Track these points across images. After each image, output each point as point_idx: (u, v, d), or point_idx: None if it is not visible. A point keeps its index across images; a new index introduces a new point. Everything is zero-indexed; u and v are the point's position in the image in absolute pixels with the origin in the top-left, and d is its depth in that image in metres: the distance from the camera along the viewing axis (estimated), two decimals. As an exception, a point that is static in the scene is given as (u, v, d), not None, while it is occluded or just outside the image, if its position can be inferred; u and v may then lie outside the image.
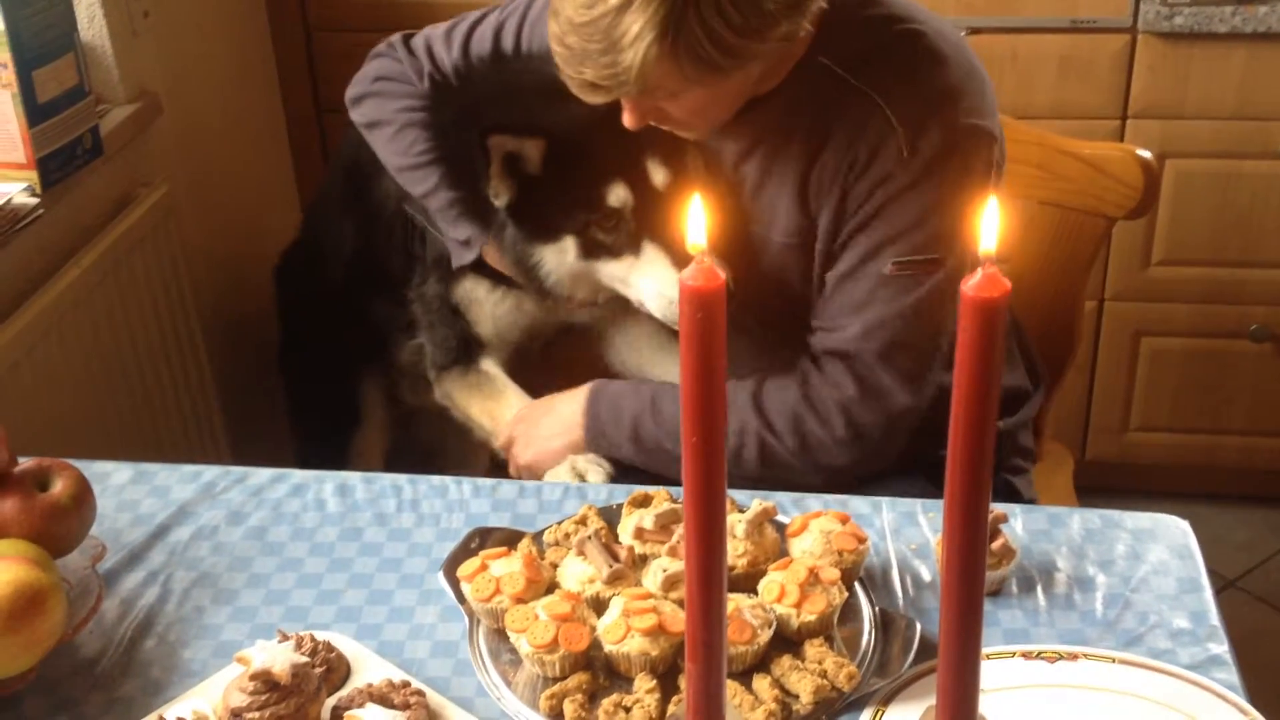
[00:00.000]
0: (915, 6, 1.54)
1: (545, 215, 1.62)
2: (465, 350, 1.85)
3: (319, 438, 2.37)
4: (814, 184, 1.51)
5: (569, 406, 1.67)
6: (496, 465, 1.99)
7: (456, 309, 1.82)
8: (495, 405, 1.82)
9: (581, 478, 1.62)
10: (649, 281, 1.60)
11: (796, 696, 1.16)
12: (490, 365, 1.84)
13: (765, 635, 1.18)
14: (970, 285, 0.75)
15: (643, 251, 1.60)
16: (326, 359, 2.27)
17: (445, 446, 2.44)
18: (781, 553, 1.30)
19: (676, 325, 1.64)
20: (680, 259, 1.57)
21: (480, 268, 1.74)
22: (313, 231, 2.28)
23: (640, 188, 1.58)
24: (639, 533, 1.30)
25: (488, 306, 1.79)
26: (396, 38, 1.82)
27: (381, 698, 1.15)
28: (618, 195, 1.58)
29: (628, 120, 1.45)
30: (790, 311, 1.60)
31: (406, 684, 1.17)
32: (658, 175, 1.58)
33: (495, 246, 1.70)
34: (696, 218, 0.79)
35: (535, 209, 1.62)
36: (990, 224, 0.78)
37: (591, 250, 1.62)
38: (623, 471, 1.64)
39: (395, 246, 1.94)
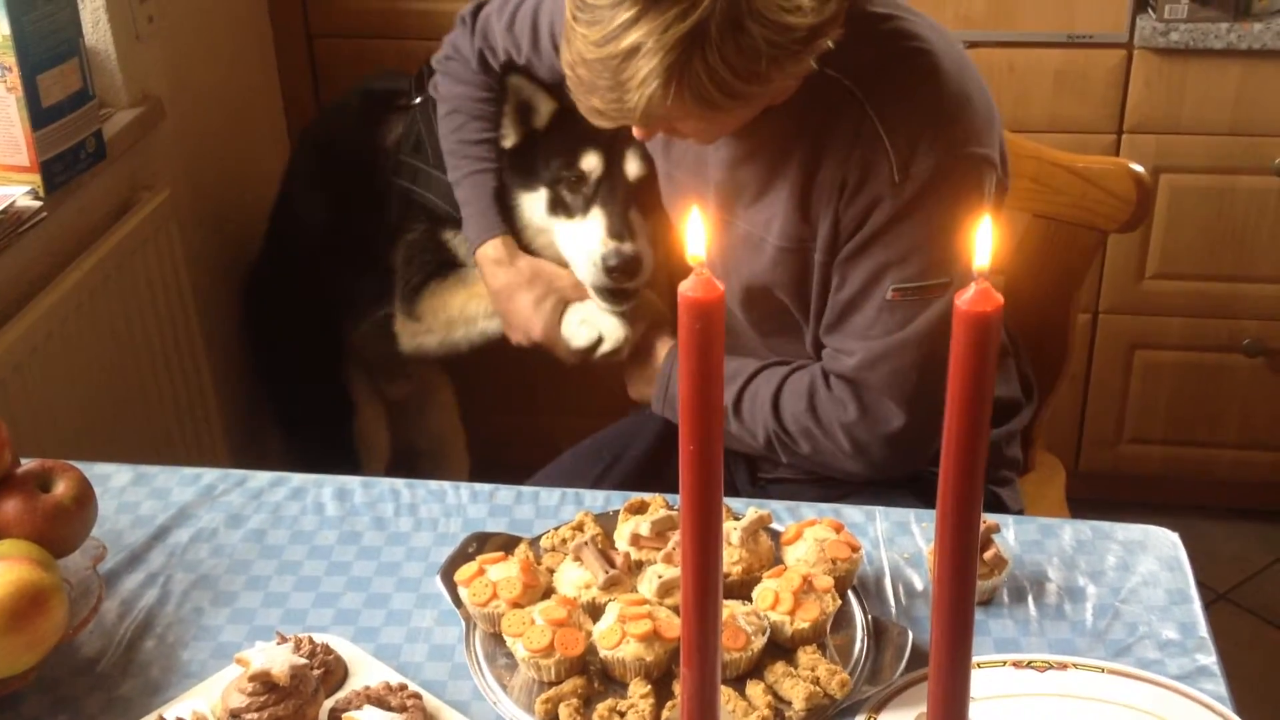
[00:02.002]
0: (929, 24, 1.54)
1: (533, 163, 1.83)
2: (440, 265, 2.00)
3: (320, 436, 2.39)
4: (815, 193, 1.52)
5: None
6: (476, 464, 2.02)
7: (441, 244, 1.99)
8: (478, 287, 1.94)
9: (601, 337, 1.76)
10: (583, 241, 1.78)
11: (789, 703, 1.17)
12: (467, 271, 1.97)
13: (759, 642, 1.19)
14: (963, 300, 0.76)
15: (589, 216, 1.79)
16: (310, 358, 2.30)
17: (433, 449, 2.47)
18: (776, 560, 1.31)
19: (597, 289, 1.75)
20: (614, 223, 1.77)
21: (524, 170, 1.85)
22: (282, 218, 2.35)
23: (612, 165, 1.78)
24: (635, 539, 1.31)
25: (523, 211, 1.86)
26: (469, 7, 1.88)
27: (379, 700, 1.16)
28: (589, 161, 1.79)
29: (637, 134, 1.48)
30: (783, 312, 1.62)
31: (403, 686, 1.18)
32: (632, 166, 1.78)
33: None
34: (696, 229, 0.80)
35: (528, 157, 1.83)
36: (984, 240, 0.79)
37: (555, 206, 1.82)
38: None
39: (373, 213, 2.08)
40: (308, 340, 2.35)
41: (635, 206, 1.79)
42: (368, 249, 2.14)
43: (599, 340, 1.75)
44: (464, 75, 1.89)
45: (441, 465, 2.59)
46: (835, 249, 1.53)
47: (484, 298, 1.93)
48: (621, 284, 1.75)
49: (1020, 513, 1.73)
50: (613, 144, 1.77)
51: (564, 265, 1.83)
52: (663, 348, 1.76)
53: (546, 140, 1.80)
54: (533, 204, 1.84)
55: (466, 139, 1.88)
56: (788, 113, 1.49)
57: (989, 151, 1.49)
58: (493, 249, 1.84)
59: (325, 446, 2.41)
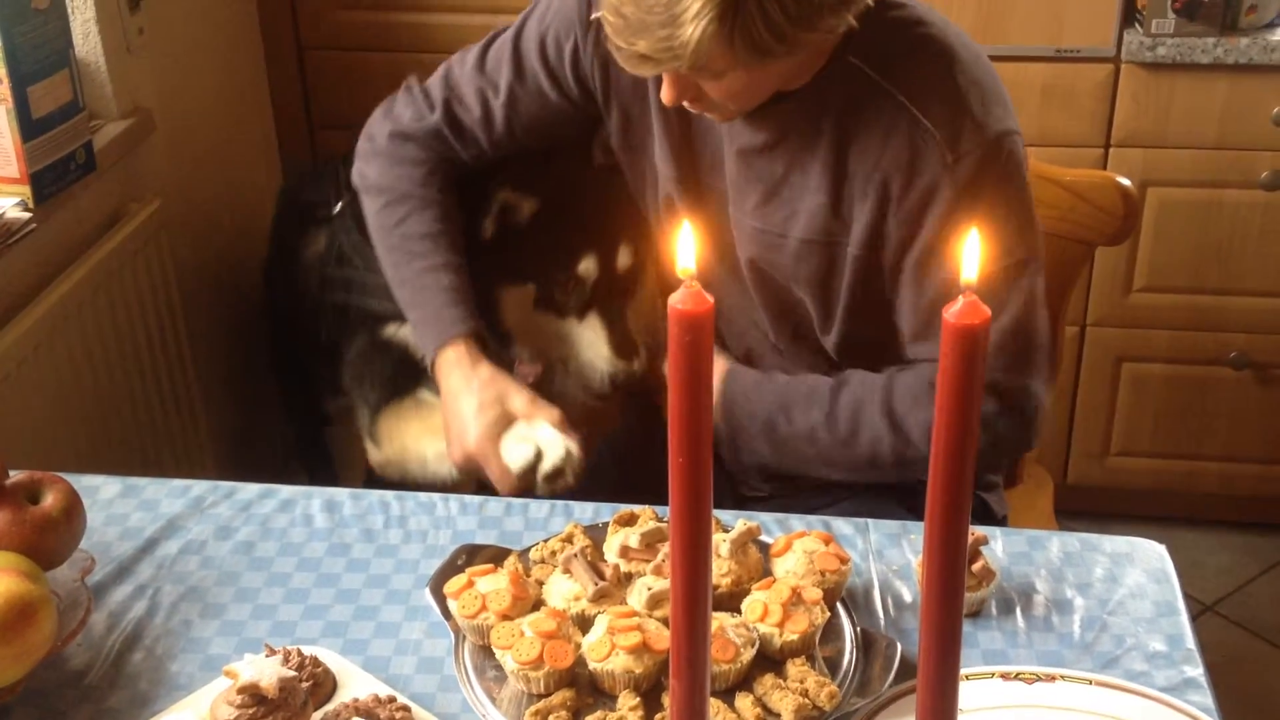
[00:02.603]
0: (933, 12, 1.54)
1: (518, 259, 1.73)
2: (399, 383, 1.85)
3: (308, 434, 2.40)
4: (848, 185, 1.50)
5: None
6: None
7: (387, 345, 1.86)
8: (433, 419, 1.73)
9: (540, 453, 1.57)
10: (584, 349, 1.74)
11: (778, 715, 1.17)
12: (427, 394, 1.81)
13: (748, 654, 1.19)
14: (951, 312, 0.77)
15: (586, 319, 1.74)
16: (307, 356, 2.30)
17: None
18: (765, 572, 1.31)
19: (602, 390, 1.71)
20: (617, 339, 1.72)
21: (507, 267, 1.76)
22: (284, 232, 2.31)
23: (606, 263, 1.73)
24: (624, 551, 1.31)
25: (506, 306, 1.78)
26: (411, 79, 1.76)
27: (367, 712, 1.16)
28: (587, 266, 1.72)
29: (665, 95, 1.45)
30: (800, 309, 1.61)
31: (392, 699, 1.18)
32: (624, 257, 1.73)
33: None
34: (686, 243, 0.80)
35: (511, 251, 1.72)
36: (971, 252, 0.79)
37: (546, 303, 1.75)
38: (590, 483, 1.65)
39: (312, 334, 2.02)
40: (305, 341, 2.33)
41: (630, 300, 1.75)
42: (314, 369, 2.07)
43: (538, 458, 1.55)
44: (406, 155, 1.71)
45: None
46: (879, 249, 1.51)
47: (437, 433, 1.70)
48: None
49: (1005, 518, 1.74)
50: (606, 241, 1.72)
51: (548, 359, 1.77)
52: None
53: (532, 237, 1.71)
54: (518, 299, 1.73)
55: (413, 232, 1.68)
56: (807, 102, 1.48)
57: (1017, 127, 1.50)
58: (454, 353, 1.62)
59: (310, 446, 2.42)
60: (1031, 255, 1.50)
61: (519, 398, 1.60)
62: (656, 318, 1.78)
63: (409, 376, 1.83)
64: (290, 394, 2.45)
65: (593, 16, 1.46)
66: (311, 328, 2.08)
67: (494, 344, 1.70)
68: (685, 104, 1.47)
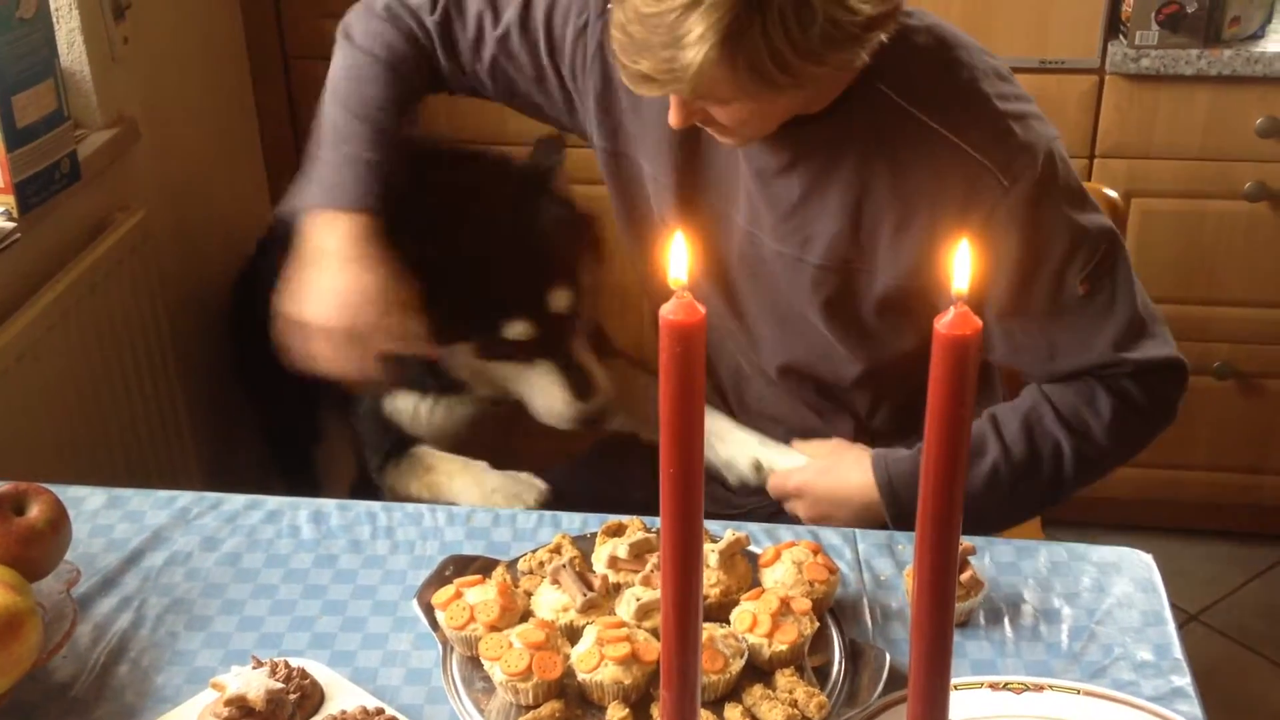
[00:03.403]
0: (959, 32, 1.52)
1: (448, 322, 1.64)
2: (398, 447, 1.84)
3: (288, 453, 2.39)
4: (870, 211, 1.47)
5: (857, 475, 1.60)
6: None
7: (388, 421, 1.84)
8: (432, 477, 1.79)
9: (520, 500, 1.68)
10: (540, 392, 1.71)
11: (767, 725, 1.17)
12: (421, 449, 1.82)
13: (737, 665, 1.19)
14: (942, 323, 0.77)
15: (536, 365, 1.69)
16: (284, 377, 2.28)
17: None
18: (754, 583, 1.31)
19: (571, 430, 1.67)
20: (573, 379, 1.69)
21: (409, 382, 1.76)
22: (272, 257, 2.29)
23: (540, 316, 1.66)
24: (613, 561, 1.31)
25: (421, 415, 1.80)
26: None
27: (356, 724, 1.16)
28: (516, 330, 1.67)
29: (673, 119, 1.42)
30: (810, 337, 1.58)
31: (380, 711, 1.18)
32: (560, 301, 1.67)
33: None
34: (679, 253, 0.80)
35: (439, 316, 1.62)
36: (963, 264, 0.80)
37: (490, 353, 1.70)
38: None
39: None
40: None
41: (578, 335, 1.71)
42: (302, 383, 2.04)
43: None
44: (396, 28, 1.66)
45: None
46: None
47: (434, 487, 1.77)
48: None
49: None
50: (532, 296, 1.66)
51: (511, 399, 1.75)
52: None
53: (457, 301, 1.64)
54: (462, 353, 1.71)
55: (369, 96, 1.61)
56: (830, 126, 1.45)
57: (1054, 129, 1.48)
58: (349, 221, 1.52)
59: (287, 463, 2.40)
60: (1114, 238, 1.49)
61: (382, 325, 1.52)
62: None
63: (406, 443, 1.84)
64: (270, 414, 2.43)
65: (609, 6, 1.42)
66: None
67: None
68: (698, 124, 1.44)
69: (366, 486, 2.20)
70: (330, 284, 1.51)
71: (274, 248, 2.14)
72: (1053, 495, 1.57)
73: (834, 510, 1.59)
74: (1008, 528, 1.64)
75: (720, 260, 1.60)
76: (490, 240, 1.67)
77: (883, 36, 1.34)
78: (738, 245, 1.58)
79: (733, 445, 1.68)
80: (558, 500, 1.69)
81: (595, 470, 1.89)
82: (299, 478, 2.38)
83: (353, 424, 1.95)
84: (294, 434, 2.34)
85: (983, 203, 1.41)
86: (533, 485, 1.70)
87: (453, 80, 1.70)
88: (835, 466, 1.62)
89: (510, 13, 1.62)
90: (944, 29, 1.50)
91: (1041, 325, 1.49)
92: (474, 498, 1.72)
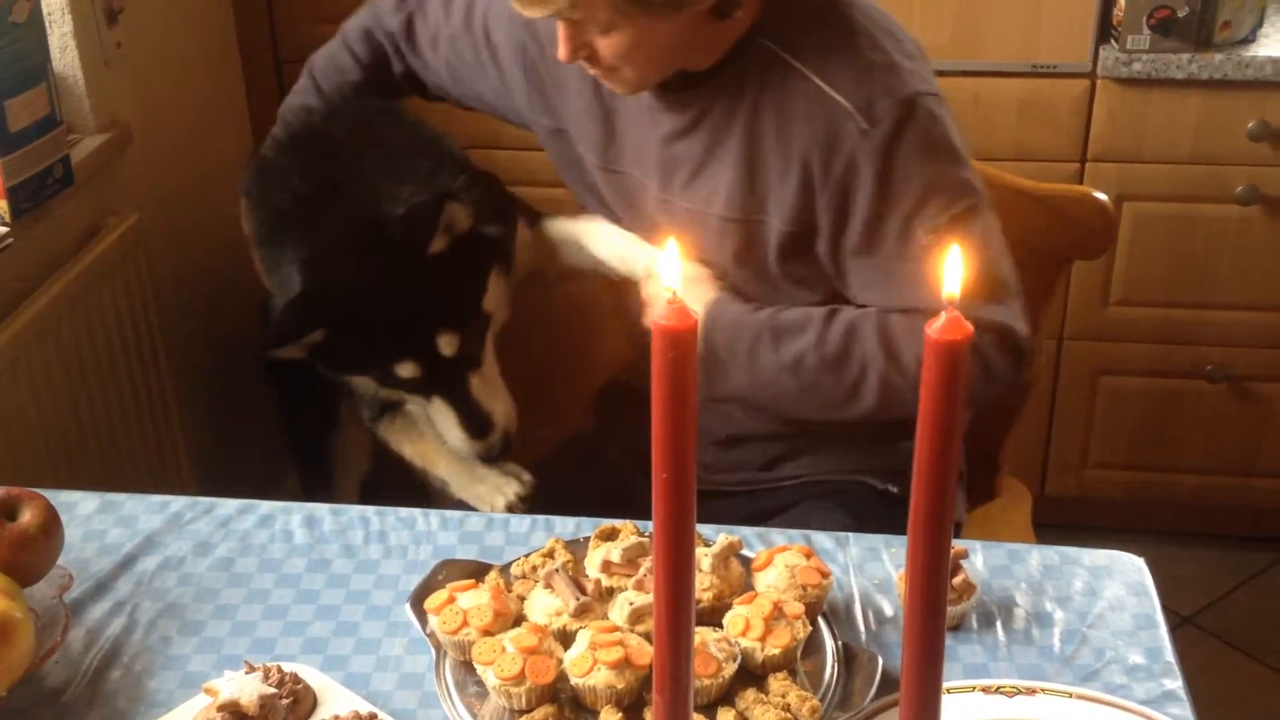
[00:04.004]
0: None
1: (341, 363, 1.76)
2: (393, 403, 1.86)
3: (304, 438, 2.39)
4: (762, 162, 1.54)
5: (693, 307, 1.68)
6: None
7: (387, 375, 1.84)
8: (423, 447, 1.84)
9: (501, 492, 1.73)
10: (442, 427, 1.74)
11: (760, 729, 1.17)
12: (413, 407, 1.84)
13: (730, 669, 1.19)
14: (934, 328, 0.77)
15: (432, 400, 1.73)
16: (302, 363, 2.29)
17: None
18: (746, 587, 1.31)
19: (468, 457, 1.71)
20: (466, 418, 1.71)
21: (336, 367, 1.78)
22: None
23: (429, 359, 1.69)
24: (606, 566, 1.31)
25: (359, 387, 1.82)
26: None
27: (349, 729, 1.16)
28: (407, 369, 1.70)
29: (561, 51, 1.50)
30: (731, 285, 1.63)
31: (373, 716, 1.18)
32: (447, 346, 1.69)
33: None
34: (670, 258, 0.80)
35: (331, 358, 1.74)
36: (953, 268, 0.80)
37: (389, 387, 1.75)
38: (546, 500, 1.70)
39: None
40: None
41: (471, 373, 1.72)
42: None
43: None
44: (352, 57, 1.89)
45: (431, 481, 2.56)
46: (810, 227, 1.53)
47: (425, 456, 1.83)
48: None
49: (961, 520, 1.75)
50: (420, 340, 1.68)
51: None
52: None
53: (342, 349, 1.71)
54: (364, 384, 1.78)
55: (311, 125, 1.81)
56: (723, 84, 1.53)
57: (938, 91, 1.52)
58: None
59: (306, 449, 2.41)
60: (976, 198, 1.52)
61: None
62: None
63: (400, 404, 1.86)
64: (290, 398, 2.44)
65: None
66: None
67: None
68: (585, 66, 1.52)
69: (378, 483, 2.24)
70: None
71: None
72: (848, 404, 1.58)
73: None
74: (795, 415, 1.66)
75: (646, 227, 1.67)
76: (375, 286, 1.68)
77: None
78: (655, 210, 1.65)
79: (604, 246, 1.72)
80: (542, 490, 1.74)
81: (576, 459, 1.90)
82: (313, 468, 2.38)
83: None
84: (312, 421, 2.35)
85: (845, 144, 1.48)
86: (518, 477, 1.74)
87: (412, 84, 1.86)
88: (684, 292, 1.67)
89: (458, 6, 1.77)
90: None
91: (888, 268, 1.53)
92: (460, 480, 1.77)
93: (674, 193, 1.62)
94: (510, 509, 1.72)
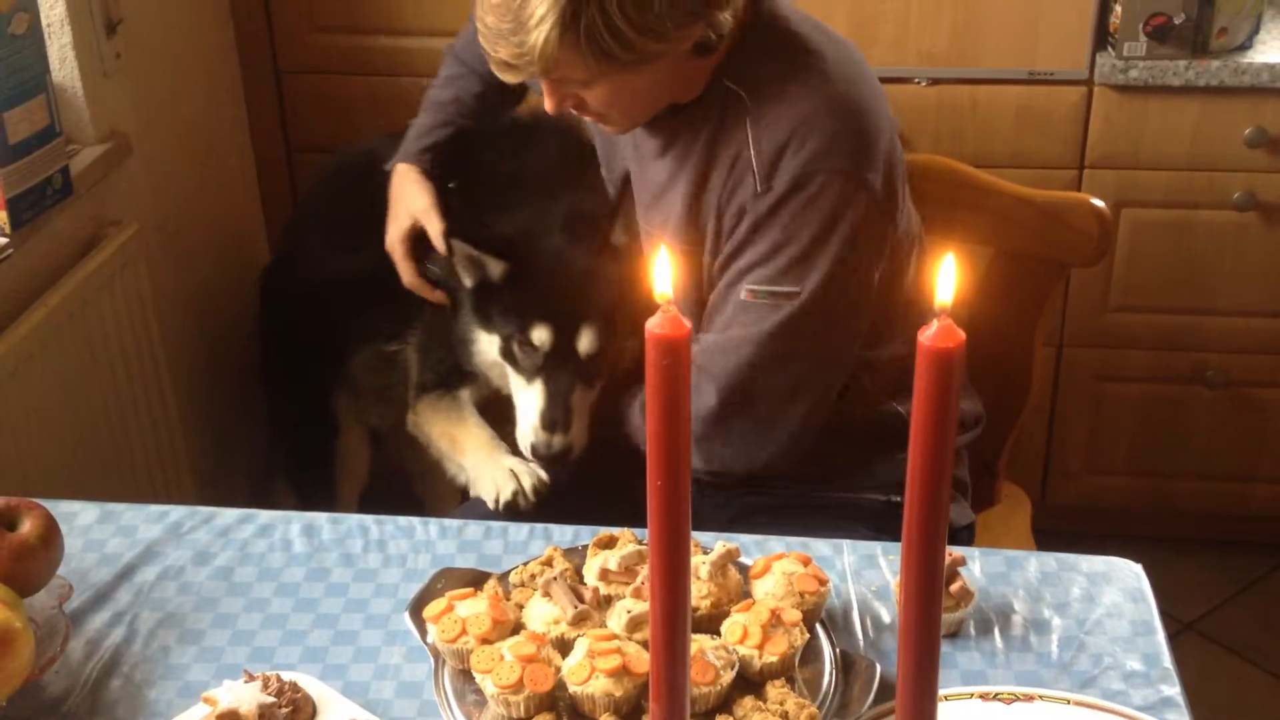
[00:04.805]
0: (833, 39, 1.60)
1: (490, 310, 1.81)
2: (449, 376, 1.95)
3: (302, 450, 2.40)
4: (704, 199, 1.59)
5: None
6: (456, 494, 2.03)
7: (457, 339, 1.91)
8: (457, 431, 1.91)
9: (516, 479, 1.77)
10: (522, 408, 1.80)
11: (758, 737, 1.17)
12: (465, 394, 1.94)
13: (728, 676, 1.19)
14: (927, 335, 0.77)
15: (533, 384, 1.78)
16: (306, 369, 2.30)
17: (422, 470, 2.47)
18: (744, 594, 1.31)
19: (530, 455, 1.76)
20: (550, 411, 1.76)
21: (483, 314, 1.84)
22: (294, 247, 2.32)
23: (563, 341, 1.75)
24: (604, 574, 1.31)
25: (481, 346, 1.86)
26: None
27: (347, 738, 1.16)
28: (539, 334, 1.76)
29: (547, 104, 1.54)
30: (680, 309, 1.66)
31: (372, 724, 1.18)
32: (585, 340, 1.75)
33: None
34: (663, 269, 0.81)
35: (488, 302, 1.81)
36: (947, 276, 0.80)
37: (506, 355, 1.81)
38: (561, 493, 1.75)
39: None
40: (306, 353, 2.33)
41: (581, 382, 1.77)
42: (377, 285, 2.10)
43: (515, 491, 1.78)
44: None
45: (432, 487, 2.57)
46: (716, 252, 1.60)
47: (457, 443, 1.90)
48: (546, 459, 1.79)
49: (969, 527, 1.75)
50: (569, 320, 1.75)
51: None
52: None
53: (502, 294, 1.79)
54: (487, 343, 1.84)
55: (448, 96, 1.91)
56: (691, 116, 1.57)
57: (859, 173, 1.53)
58: (403, 168, 1.89)
59: (304, 463, 2.42)
60: (803, 290, 1.54)
61: (419, 204, 1.84)
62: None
63: (459, 383, 1.95)
64: (296, 401, 2.44)
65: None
66: (329, 325, 2.17)
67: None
68: (574, 111, 1.56)
69: (377, 492, 2.26)
70: (389, 227, 1.88)
71: (301, 236, 2.26)
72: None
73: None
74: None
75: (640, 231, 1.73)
76: (544, 256, 1.78)
77: (728, 15, 1.45)
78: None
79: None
80: (554, 495, 1.77)
81: (591, 466, 1.91)
82: (313, 476, 2.39)
83: (404, 355, 2.06)
84: (312, 429, 2.36)
85: (743, 193, 1.54)
86: (536, 474, 1.78)
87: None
88: None
89: None
90: (813, 35, 1.57)
91: (714, 300, 1.60)
92: (479, 465, 1.82)
93: (639, 214, 1.69)
94: (516, 498, 1.75)
